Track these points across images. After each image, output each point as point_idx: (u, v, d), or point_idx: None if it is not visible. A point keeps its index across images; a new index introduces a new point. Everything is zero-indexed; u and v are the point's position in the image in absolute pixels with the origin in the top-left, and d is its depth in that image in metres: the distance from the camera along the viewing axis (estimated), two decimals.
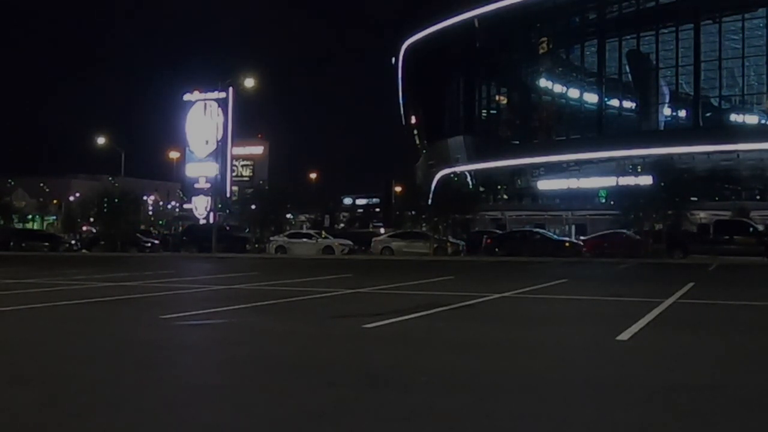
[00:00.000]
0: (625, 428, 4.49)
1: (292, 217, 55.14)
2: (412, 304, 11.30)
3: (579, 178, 58.79)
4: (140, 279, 18.11)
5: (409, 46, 73.10)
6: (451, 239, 38.63)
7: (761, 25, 54.55)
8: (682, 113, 59.49)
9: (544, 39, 65.40)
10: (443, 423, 4.55)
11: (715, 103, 57.71)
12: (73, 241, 48.18)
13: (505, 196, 65.54)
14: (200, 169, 74.53)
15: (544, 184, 61.65)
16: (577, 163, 59.25)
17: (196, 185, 75.31)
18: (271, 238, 41.46)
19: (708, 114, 56.65)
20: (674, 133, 55.73)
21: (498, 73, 66.63)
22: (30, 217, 71.05)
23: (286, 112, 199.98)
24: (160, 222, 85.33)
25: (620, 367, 6.48)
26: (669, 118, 59.96)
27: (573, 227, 56.06)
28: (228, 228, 47.50)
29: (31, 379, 5.86)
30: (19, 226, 56.15)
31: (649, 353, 7.31)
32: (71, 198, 76.71)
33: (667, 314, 10.43)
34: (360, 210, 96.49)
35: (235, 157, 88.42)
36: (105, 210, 45.61)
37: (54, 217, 78.88)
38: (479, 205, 45.88)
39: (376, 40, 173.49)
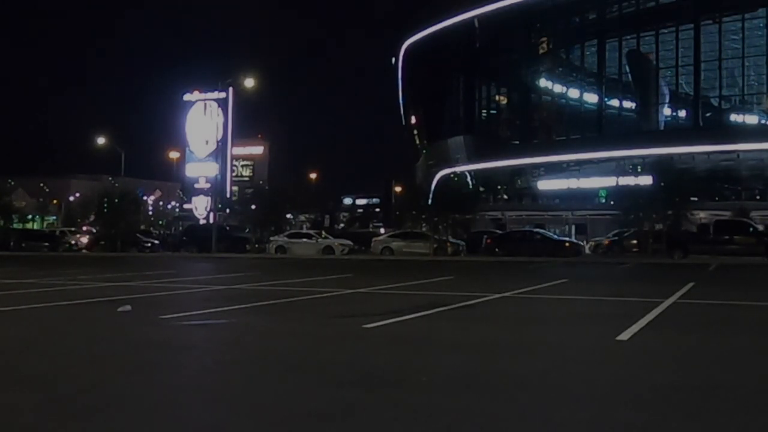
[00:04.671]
0: (625, 428, 4.49)
1: (292, 217, 55.16)
2: (412, 304, 11.30)
3: (579, 178, 58.73)
4: (140, 279, 18.11)
5: (409, 46, 73.05)
6: (451, 239, 38.59)
7: (761, 25, 54.50)
8: (682, 113, 59.43)
9: (544, 39, 65.33)
10: (443, 423, 4.55)
11: (715, 103, 57.62)
12: (73, 241, 48.14)
13: (505, 196, 65.47)
14: (200, 169, 74.46)
15: (544, 184, 61.61)
16: (577, 163, 59.18)
17: (196, 185, 75.21)
18: (271, 238, 41.45)
19: (708, 114, 56.59)
20: (674, 133, 55.64)
21: (498, 73, 66.54)
22: (30, 217, 70.99)
23: (286, 112, 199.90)
24: (160, 222, 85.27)
25: (620, 367, 6.48)
26: (669, 118, 59.89)
27: (573, 227, 56.05)
28: (228, 228, 47.50)
29: (31, 379, 5.86)
30: (19, 226, 56.07)
31: (649, 353, 7.31)
32: (71, 198, 76.72)
33: (668, 314, 10.43)
34: (360, 210, 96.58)
35: (235, 157, 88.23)
36: (105, 210, 45.62)
37: (54, 217, 78.85)
38: (479, 205, 45.78)
39: (376, 40, 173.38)
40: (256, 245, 42.31)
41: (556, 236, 41.26)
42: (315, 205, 69.16)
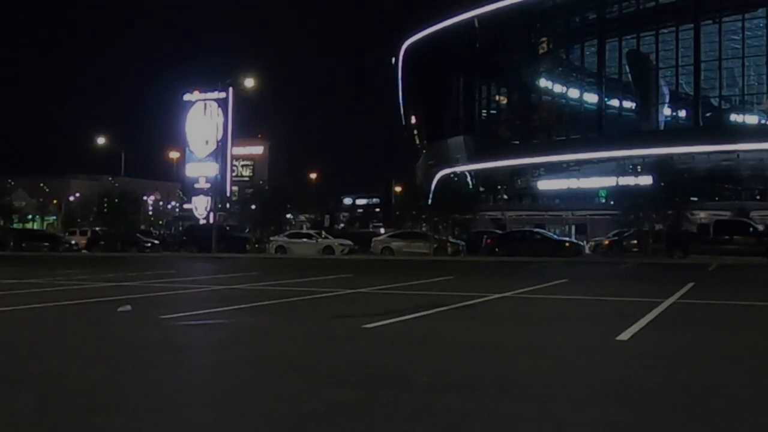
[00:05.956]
0: (624, 428, 4.49)
1: (292, 217, 55.15)
2: (412, 304, 11.30)
3: (579, 178, 58.71)
4: (140, 279, 18.11)
5: (409, 46, 73.05)
6: (451, 239, 38.60)
7: (761, 25, 54.49)
8: (682, 113, 59.40)
9: (544, 39, 65.31)
10: (443, 423, 4.55)
11: (715, 103, 57.61)
12: (73, 241, 48.15)
13: (505, 196, 65.47)
14: (200, 169, 74.50)
15: (544, 184, 61.59)
16: (577, 163, 59.17)
17: (196, 185, 75.24)
18: (271, 238, 41.45)
19: (708, 114, 56.57)
20: (674, 133, 55.63)
21: (498, 73, 66.50)
22: (30, 217, 70.95)
23: (286, 112, 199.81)
24: (160, 222, 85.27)
25: (620, 367, 6.48)
26: (669, 118, 59.86)
27: (573, 227, 56.03)
28: (228, 228, 47.49)
29: (31, 379, 5.86)
30: (19, 226, 56.04)
31: (649, 353, 7.30)
32: (71, 198, 76.69)
33: (667, 314, 10.43)
34: (360, 210, 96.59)
35: (235, 157, 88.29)
36: (105, 210, 45.61)
37: (54, 217, 78.81)
38: (479, 205, 45.81)
39: (376, 40, 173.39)
40: (256, 245, 42.31)
41: (556, 236, 41.25)
42: (315, 205, 69.18)
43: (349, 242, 40.31)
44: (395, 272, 21.98)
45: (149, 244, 45.46)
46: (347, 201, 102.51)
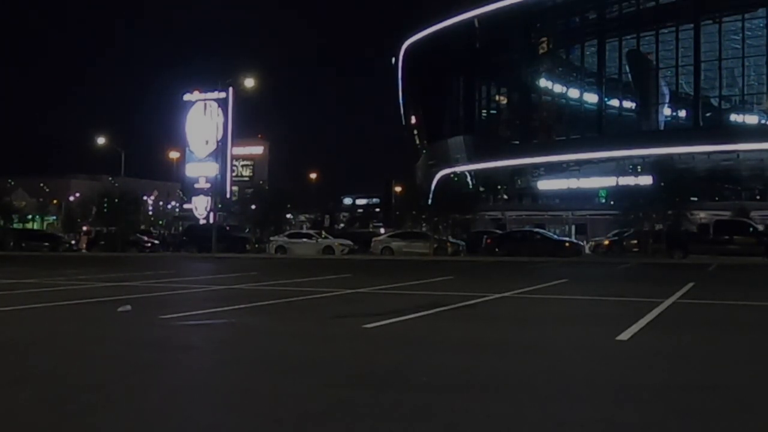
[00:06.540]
0: (624, 428, 4.48)
1: (292, 217, 55.16)
2: (412, 304, 11.30)
3: (579, 178, 58.77)
4: (140, 279, 18.11)
5: (409, 46, 73.10)
6: (451, 239, 38.60)
7: (761, 25, 54.52)
8: (682, 113, 59.45)
9: (544, 39, 65.36)
10: (443, 423, 4.54)
11: (715, 103, 57.64)
12: (73, 241, 48.17)
13: (505, 196, 65.50)
14: (200, 169, 74.51)
15: (544, 184, 61.63)
16: (577, 163, 59.21)
17: (196, 185, 75.24)
18: (271, 238, 41.45)
19: (708, 114, 56.61)
20: (674, 133, 55.69)
21: (498, 73, 66.55)
22: (30, 217, 70.92)
23: (286, 112, 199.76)
24: (160, 222, 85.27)
25: (620, 367, 6.48)
26: (669, 118, 59.92)
27: (573, 227, 56.06)
28: (228, 228, 47.48)
29: (30, 379, 5.86)
30: (19, 226, 56.00)
31: (649, 353, 7.30)
32: (71, 198, 76.68)
33: (668, 314, 10.43)
34: (360, 210, 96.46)
35: (235, 157, 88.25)
36: (105, 210, 45.61)
37: (54, 217, 78.82)
38: (479, 205, 45.84)
39: (376, 40, 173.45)
40: (256, 245, 42.30)
41: (556, 236, 41.27)
42: (315, 205, 69.24)
43: (349, 242, 40.32)
44: (395, 272, 21.97)
45: (149, 244, 45.45)
46: (347, 201, 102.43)
